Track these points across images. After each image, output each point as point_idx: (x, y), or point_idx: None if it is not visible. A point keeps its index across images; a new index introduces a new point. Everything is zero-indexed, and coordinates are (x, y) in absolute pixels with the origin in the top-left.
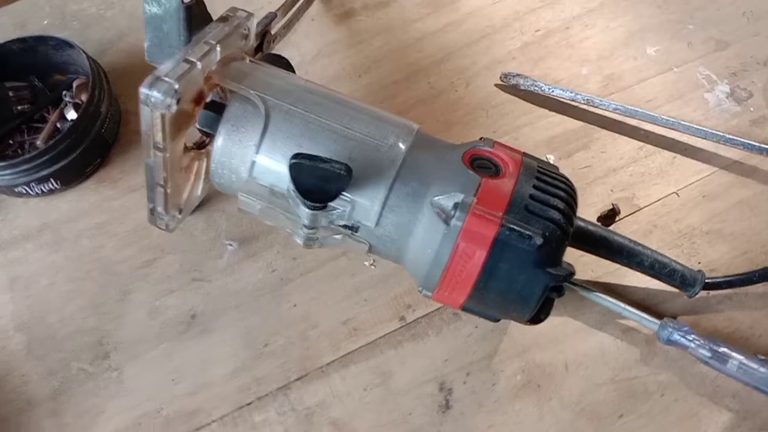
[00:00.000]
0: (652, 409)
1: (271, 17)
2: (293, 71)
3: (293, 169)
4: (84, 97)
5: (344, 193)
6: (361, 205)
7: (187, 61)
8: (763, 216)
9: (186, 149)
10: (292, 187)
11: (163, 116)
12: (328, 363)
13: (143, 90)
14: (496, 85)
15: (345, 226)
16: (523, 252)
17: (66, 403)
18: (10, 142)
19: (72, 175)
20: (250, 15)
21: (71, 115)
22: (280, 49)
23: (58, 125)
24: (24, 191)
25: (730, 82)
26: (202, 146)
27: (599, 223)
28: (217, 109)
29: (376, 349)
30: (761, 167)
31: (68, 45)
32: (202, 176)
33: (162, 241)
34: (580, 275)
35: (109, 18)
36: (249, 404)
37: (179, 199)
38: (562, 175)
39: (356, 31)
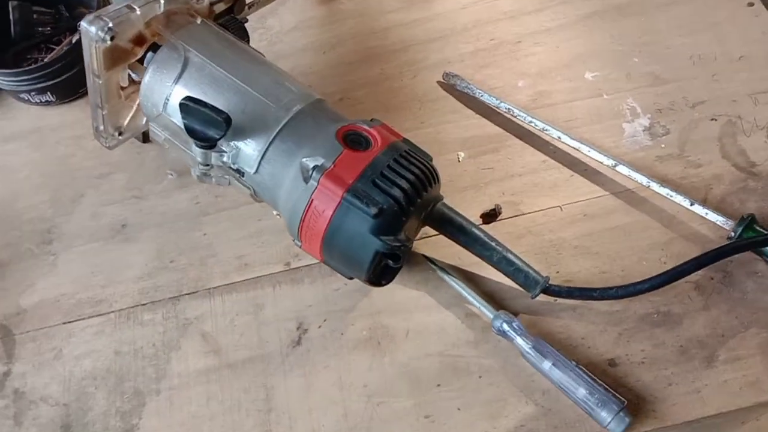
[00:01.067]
0: (467, 386)
1: None
2: (246, 36)
3: (182, 108)
4: None
5: (232, 140)
6: (245, 152)
7: (128, 7)
8: (632, 243)
9: (132, 82)
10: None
11: (97, 48)
12: (215, 287)
13: (83, 24)
14: (437, 82)
15: (233, 169)
16: (361, 218)
17: (9, 272)
18: (29, 56)
19: (66, 92)
20: None
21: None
22: (264, 16)
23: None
24: (26, 98)
25: (652, 118)
26: None
27: (475, 219)
28: (154, 50)
29: (258, 284)
30: (649, 200)
31: None
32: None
33: (118, 161)
34: (449, 260)
35: None
36: (144, 305)
37: (118, 122)
38: (424, 163)
39: (334, 12)
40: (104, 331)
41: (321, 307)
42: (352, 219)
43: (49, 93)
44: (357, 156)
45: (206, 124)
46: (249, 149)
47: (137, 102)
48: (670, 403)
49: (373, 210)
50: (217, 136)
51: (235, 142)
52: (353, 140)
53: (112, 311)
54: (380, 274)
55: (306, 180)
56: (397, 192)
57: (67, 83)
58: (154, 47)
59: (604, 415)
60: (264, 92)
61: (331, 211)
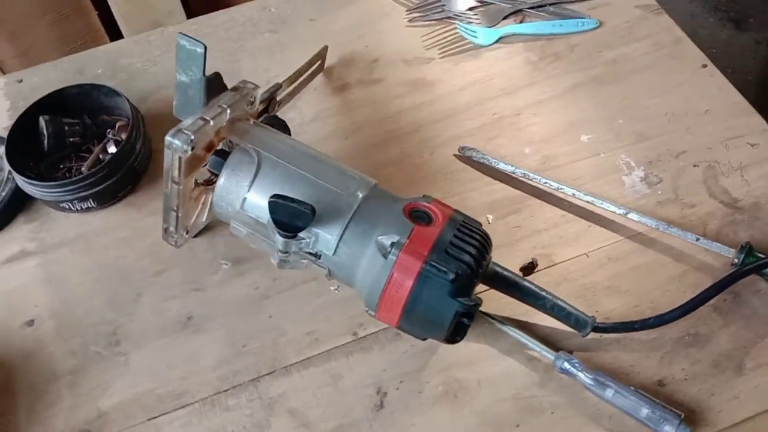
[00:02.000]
0: (543, 422)
1: (276, 87)
2: (288, 131)
3: (271, 205)
4: (123, 136)
5: (310, 227)
6: (323, 237)
7: (202, 119)
8: (653, 279)
9: (196, 184)
10: (269, 219)
11: (180, 158)
12: (292, 364)
13: (168, 138)
14: (454, 155)
15: (310, 254)
16: (439, 284)
17: (82, 378)
18: (61, 166)
19: (106, 198)
20: (256, 86)
21: (112, 149)
22: (285, 111)
23: (100, 156)
24: (67, 207)
25: (645, 169)
26: (209, 183)
27: (517, 272)
28: (223, 155)
29: (331, 356)
30: (659, 240)
31: (116, 93)
32: (208, 206)
33: (170, 257)
34: (500, 312)
35: (152, 73)
36: (225, 391)
37: (188, 223)
38: (481, 230)
39: (348, 101)
40: (192, 421)
41: (395, 370)
42: (432, 286)
43: (90, 200)
44: (426, 230)
45: (293, 217)
46: (327, 235)
47: (201, 201)
48: (716, 410)
49: (451, 276)
50: (304, 226)
51: (315, 229)
52: (418, 216)
53: (196, 401)
54: (455, 332)
55: (385, 256)
56: (467, 257)
57: (107, 190)
58: (218, 152)
59: (668, 429)
60: (333, 183)
61: (412, 281)
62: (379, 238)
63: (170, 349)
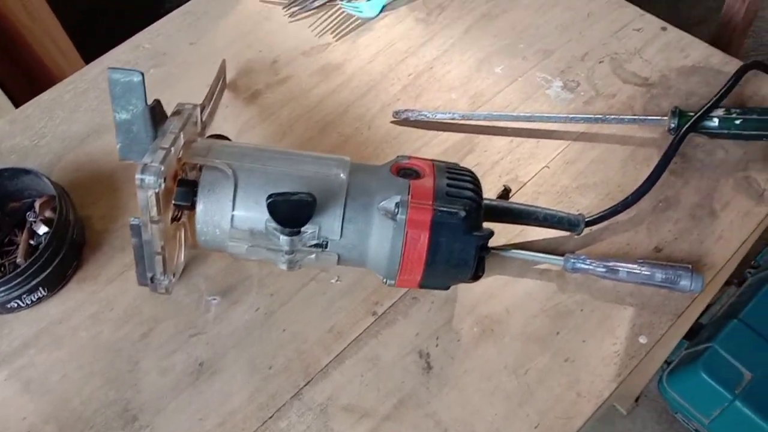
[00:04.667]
0: (577, 321)
1: (201, 107)
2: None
3: (270, 206)
4: (48, 213)
5: (312, 217)
6: (327, 223)
7: (162, 148)
8: (611, 166)
9: (174, 219)
10: (271, 222)
11: (156, 194)
12: (326, 364)
13: (138, 176)
14: (391, 122)
15: (316, 245)
16: (454, 225)
17: None
18: None
19: (56, 281)
20: (195, 106)
21: (42, 229)
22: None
23: (31, 242)
24: (16, 305)
25: (561, 78)
26: (178, 219)
27: (500, 200)
28: (187, 185)
29: (361, 342)
30: (601, 132)
31: (25, 172)
32: (183, 244)
33: (153, 314)
34: (498, 241)
35: (44, 145)
36: (271, 417)
37: (173, 265)
38: (465, 168)
39: (266, 107)
40: None
41: (427, 331)
42: (448, 230)
43: (41, 289)
44: (421, 183)
45: (295, 211)
46: (329, 219)
47: (177, 240)
48: (711, 254)
49: (462, 213)
50: (310, 215)
51: (315, 219)
52: (408, 173)
53: None
54: (478, 266)
55: (394, 218)
56: (468, 193)
57: (55, 272)
58: (181, 183)
59: (684, 283)
60: (315, 170)
61: (428, 233)
62: (381, 203)
63: (194, 401)
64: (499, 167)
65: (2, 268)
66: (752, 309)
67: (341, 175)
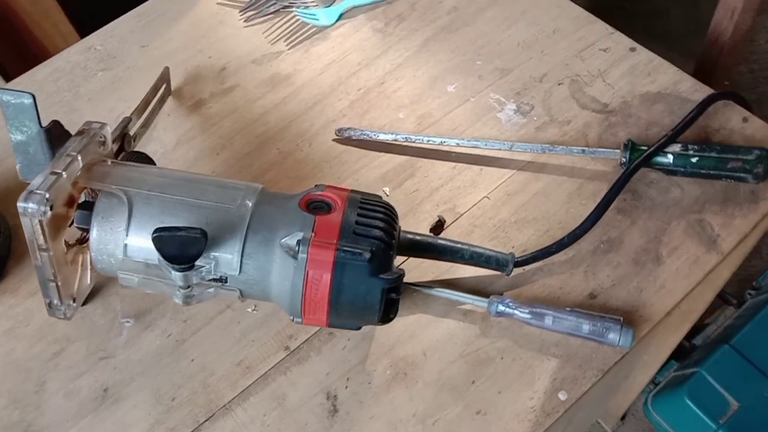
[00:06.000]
0: (496, 370)
1: (126, 121)
2: (152, 162)
3: (156, 241)
4: None
5: (207, 252)
6: (224, 258)
7: (53, 173)
8: (555, 200)
9: (69, 246)
10: (159, 256)
11: (41, 222)
12: (230, 401)
13: (20, 204)
14: (333, 140)
15: (215, 280)
16: (358, 267)
17: None
18: None
19: None
20: (103, 125)
21: None
22: (143, 144)
23: None
24: None
25: (516, 101)
26: (83, 241)
27: (428, 233)
28: (88, 207)
29: (269, 378)
30: (548, 162)
31: None
32: (89, 266)
33: (66, 333)
34: (423, 277)
35: None
36: None
37: (71, 290)
38: (383, 203)
39: (208, 117)
40: None
41: (339, 370)
42: (351, 272)
43: None
44: (328, 218)
45: (184, 247)
46: (227, 254)
47: (80, 263)
48: (648, 305)
49: (367, 255)
50: (199, 253)
51: (212, 253)
52: (317, 207)
53: None
54: (388, 309)
55: (295, 256)
56: (377, 233)
57: None
58: (82, 205)
59: (612, 337)
60: (217, 199)
61: (330, 274)
62: (283, 240)
63: (94, 428)
64: (437, 195)
65: None
66: (745, 334)
67: (248, 204)
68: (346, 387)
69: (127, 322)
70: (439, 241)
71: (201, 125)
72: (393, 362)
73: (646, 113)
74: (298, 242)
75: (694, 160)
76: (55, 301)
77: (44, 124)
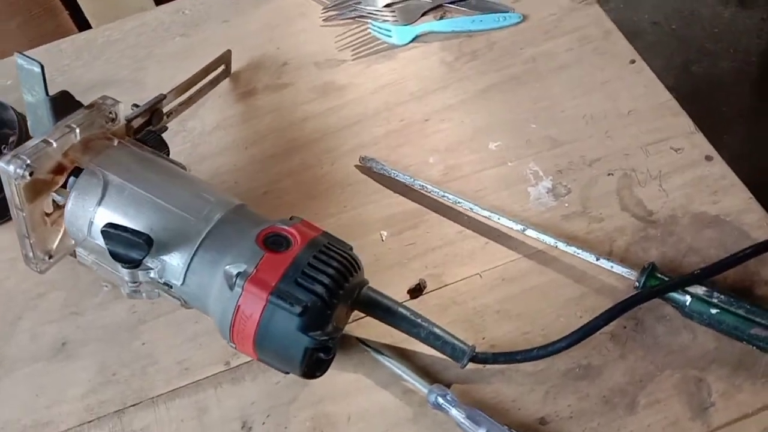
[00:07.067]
0: None
1: (159, 98)
2: (165, 147)
3: (103, 234)
4: None
5: (157, 256)
6: (171, 266)
7: (45, 141)
8: (549, 301)
9: (58, 207)
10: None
11: (18, 185)
12: (159, 395)
13: (1, 164)
14: (356, 166)
15: (162, 284)
16: (287, 317)
17: None
18: None
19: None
20: (116, 102)
21: None
22: (185, 119)
23: None
24: None
25: (554, 179)
26: None
27: (391, 298)
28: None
29: (200, 387)
30: (560, 258)
31: (8, 107)
32: None
33: (54, 279)
34: (382, 339)
35: (58, 83)
36: (90, 422)
37: (47, 247)
38: (345, 254)
39: (253, 108)
40: None
41: (264, 404)
42: (279, 319)
43: None
44: (278, 258)
45: (128, 247)
46: (174, 263)
47: (64, 226)
48: None
49: (298, 309)
50: (140, 258)
51: (161, 257)
52: (274, 242)
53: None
54: (314, 366)
55: (231, 287)
56: (319, 288)
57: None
58: (77, 171)
59: None
60: (183, 206)
61: (258, 315)
62: (227, 267)
63: (42, 375)
64: (431, 256)
65: None
66: None
67: (210, 219)
68: (263, 423)
69: (106, 286)
70: (400, 309)
71: (243, 115)
72: (316, 416)
73: (691, 237)
74: (238, 274)
75: (713, 311)
76: (30, 255)
77: (55, 92)
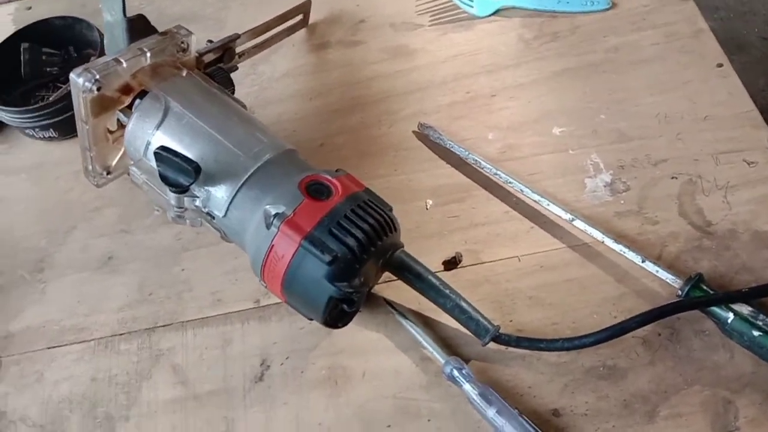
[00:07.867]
0: (416, 429)
1: (233, 37)
2: (231, 84)
3: (156, 156)
4: None
5: (204, 185)
6: (215, 197)
7: (116, 60)
8: (585, 296)
9: (121, 126)
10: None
11: (84, 98)
12: (189, 320)
13: (72, 75)
14: (413, 132)
15: (205, 213)
16: (316, 264)
17: (1, 298)
18: (36, 95)
19: (67, 129)
20: (189, 33)
21: None
22: (257, 63)
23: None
24: (30, 134)
25: (614, 174)
26: None
27: (424, 265)
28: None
29: (228, 320)
30: (605, 255)
31: (94, 27)
32: None
33: (112, 195)
34: (409, 305)
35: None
36: (121, 335)
37: (107, 163)
38: (383, 213)
39: (324, 61)
40: (83, 358)
41: (285, 345)
42: (309, 265)
43: (51, 129)
44: (317, 205)
45: (178, 172)
46: (219, 195)
47: (124, 145)
48: None
49: (327, 257)
50: (187, 184)
51: (207, 188)
52: (315, 190)
53: (93, 339)
54: (337, 317)
55: (268, 226)
56: (351, 241)
57: (68, 121)
58: (143, 94)
59: None
60: (235, 142)
61: (290, 257)
62: (267, 206)
63: (85, 284)
64: (473, 232)
65: (44, 100)
66: None
67: (259, 158)
68: (282, 364)
69: (157, 210)
70: (430, 277)
71: (313, 66)
72: (332, 366)
73: (748, 255)
74: (276, 215)
75: (755, 333)
76: (89, 167)
77: (133, 14)
